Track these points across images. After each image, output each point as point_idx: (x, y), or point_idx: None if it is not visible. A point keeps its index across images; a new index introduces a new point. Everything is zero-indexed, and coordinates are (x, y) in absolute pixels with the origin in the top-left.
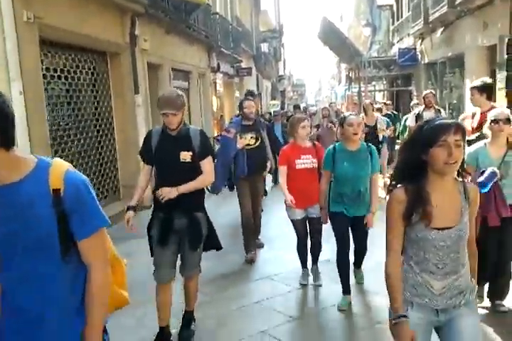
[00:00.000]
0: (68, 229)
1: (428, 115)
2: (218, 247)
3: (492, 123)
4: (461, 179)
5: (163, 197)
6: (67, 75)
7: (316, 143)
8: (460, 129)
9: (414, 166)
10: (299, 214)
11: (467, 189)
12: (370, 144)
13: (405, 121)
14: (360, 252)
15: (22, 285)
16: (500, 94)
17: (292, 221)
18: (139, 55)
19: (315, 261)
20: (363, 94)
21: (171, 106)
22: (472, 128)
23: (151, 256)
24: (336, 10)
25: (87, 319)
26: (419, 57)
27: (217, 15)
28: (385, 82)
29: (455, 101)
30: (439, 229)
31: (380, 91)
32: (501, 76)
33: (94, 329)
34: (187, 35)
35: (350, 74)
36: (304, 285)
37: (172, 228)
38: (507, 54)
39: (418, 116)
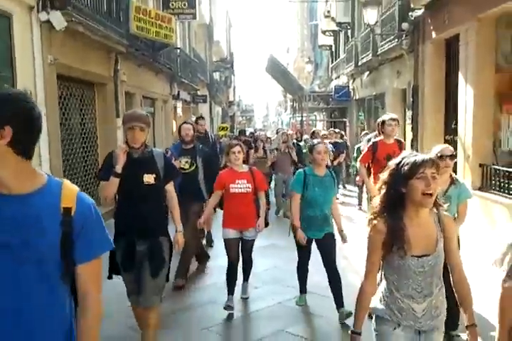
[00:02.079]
0: (70, 250)
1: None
2: (167, 280)
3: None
4: (436, 210)
5: (180, 247)
6: (64, 101)
7: (253, 167)
8: (435, 163)
9: (393, 199)
10: (233, 234)
11: (441, 219)
12: (331, 170)
13: (358, 149)
14: (335, 281)
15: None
16: (408, 129)
17: (225, 240)
18: (119, 85)
19: (246, 278)
20: (304, 123)
21: (138, 119)
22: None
23: (108, 277)
24: (283, 42)
25: None
26: (352, 93)
27: (179, 50)
28: (324, 113)
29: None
30: (417, 256)
31: (320, 120)
32: (409, 114)
33: None
34: (154, 68)
35: (294, 105)
36: (229, 307)
37: (134, 254)
38: (412, 97)
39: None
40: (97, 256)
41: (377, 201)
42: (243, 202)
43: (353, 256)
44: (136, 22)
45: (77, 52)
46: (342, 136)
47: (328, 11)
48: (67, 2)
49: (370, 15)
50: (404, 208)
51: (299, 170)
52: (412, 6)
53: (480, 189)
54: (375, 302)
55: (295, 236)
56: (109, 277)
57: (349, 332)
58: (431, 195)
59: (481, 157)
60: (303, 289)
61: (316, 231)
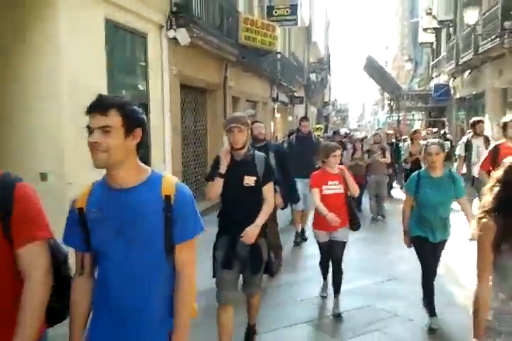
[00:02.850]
0: (171, 232)
1: (477, 142)
2: (271, 273)
3: None
4: None
5: (248, 240)
6: (183, 107)
7: (343, 168)
8: None
9: (507, 197)
10: (323, 236)
11: None
12: (453, 171)
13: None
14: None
15: (126, 279)
16: None
17: (318, 243)
18: (227, 91)
19: (336, 290)
20: (401, 122)
21: (236, 121)
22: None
23: (213, 276)
24: (381, 39)
25: (177, 323)
26: (452, 92)
27: (279, 54)
28: (423, 112)
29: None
30: None
31: (418, 120)
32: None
33: (184, 330)
34: (257, 73)
35: (392, 104)
36: (323, 297)
37: (236, 253)
38: None
39: (467, 144)
40: (192, 237)
41: (488, 199)
42: (335, 203)
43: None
44: (245, 32)
45: (195, 63)
46: (445, 137)
47: (430, 8)
48: (190, 20)
49: (471, 16)
50: None
51: (414, 172)
52: None
53: None
54: None
55: (416, 248)
56: (214, 275)
57: None
58: None
59: None
60: (432, 310)
61: (429, 233)
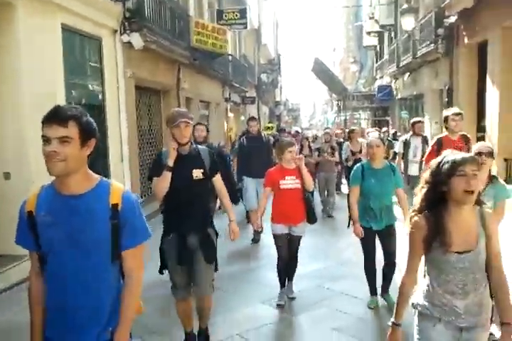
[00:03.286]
0: (118, 239)
1: (415, 142)
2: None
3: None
4: (478, 207)
5: (236, 236)
6: (138, 108)
7: (301, 156)
8: (475, 161)
9: (435, 197)
10: (282, 229)
11: (484, 216)
12: (392, 163)
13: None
14: (390, 268)
15: (76, 282)
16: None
17: (274, 236)
18: (180, 92)
19: (291, 277)
20: (348, 122)
21: (183, 116)
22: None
23: (159, 272)
24: (329, 41)
25: (121, 318)
26: (394, 93)
27: (230, 56)
28: (368, 112)
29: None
30: (458, 252)
31: (364, 119)
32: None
33: (126, 327)
34: (209, 75)
35: (339, 104)
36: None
37: (187, 246)
38: (447, 97)
39: (405, 143)
40: (139, 244)
41: (418, 199)
42: (292, 197)
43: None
44: (196, 35)
45: (149, 66)
46: (395, 136)
47: (373, 13)
48: (143, 24)
49: (407, 22)
50: (445, 206)
51: (357, 164)
52: (446, 13)
53: (505, 181)
54: (418, 297)
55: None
56: (160, 272)
57: (389, 323)
58: (472, 192)
59: (505, 152)
60: (373, 290)
61: (373, 222)
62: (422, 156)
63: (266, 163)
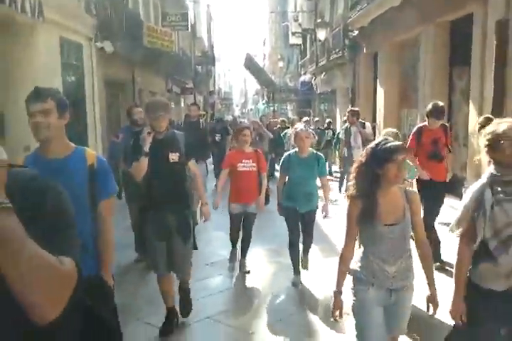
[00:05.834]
0: (94, 190)
1: (354, 129)
2: (194, 247)
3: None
4: (402, 184)
5: (207, 218)
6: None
7: (258, 150)
8: (405, 149)
9: (370, 178)
10: (238, 209)
11: (408, 193)
12: (317, 152)
13: (338, 134)
14: (308, 241)
15: None
16: None
17: (231, 214)
18: (135, 85)
19: (244, 254)
20: (276, 112)
21: (163, 109)
22: None
23: (136, 250)
24: (260, 34)
25: (103, 259)
26: (315, 88)
27: (172, 52)
28: (294, 104)
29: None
30: (388, 225)
31: (290, 110)
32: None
33: (108, 268)
34: (156, 70)
35: (270, 95)
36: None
37: (165, 224)
38: (351, 94)
39: (346, 131)
40: (110, 195)
41: (353, 178)
42: (249, 179)
43: (335, 232)
44: (148, 38)
45: (114, 65)
46: (329, 126)
47: (297, 16)
48: (111, 33)
49: (321, 34)
50: (378, 185)
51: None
52: (350, 28)
53: None
54: (353, 265)
55: (286, 216)
56: (137, 250)
57: (332, 291)
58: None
59: None
60: (296, 269)
61: (299, 205)
62: (362, 142)
63: (205, 146)
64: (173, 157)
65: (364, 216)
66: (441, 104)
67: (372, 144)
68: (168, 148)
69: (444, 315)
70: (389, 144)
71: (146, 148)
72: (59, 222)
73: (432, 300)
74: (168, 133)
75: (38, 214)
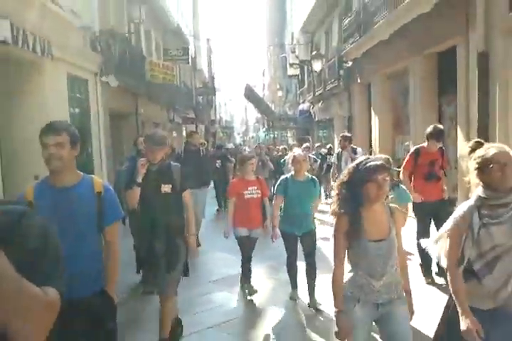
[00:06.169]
0: (102, 217)
1: (345, 154)
2: (186, 275)
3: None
4: (386, 203)
5: (194, 252)
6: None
7: (259, 176)
8: (386, 168)
9: (352, 197)
10: (244, 232)
11: (392, 210)
12: (313, 177)
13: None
14: (313, 275)
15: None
16: None
17: (238, 238)
18: (138, 116)
19: (248, 277)
20: (276, 139)
21: (159, 143)
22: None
23: (137, 271)
24: (259, 65)
25: (109, 278)
26: (313, 116)
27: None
28: (293, 131)
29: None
30: (375, 241)
31: (290, 137)
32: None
33: (113, 285)
34: (158, 101)
35: (270, 124)
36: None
37: (153, 253)
38: (347, 122)
39: (338, 155)
40: (116, 220)
41: (336, 196)
42: (255, 205)
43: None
44: (150, 72)
45: (118, 98)
46: (330, 151)
47: (294, 48)
48: (115, 68)
49: (316, 65)
50: (361, 203)
51: (282, 176)
52: (344, 59)
53: None
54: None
55: (284, 240)
56: (138, 271)
57: (334, 312)
58: (382, 194)
59: None
60: (294, 284)
61: (295, 227)
62: None
63: (206, 174)
64: (165, 188)
65: (350, 235)
66: (441, 126)
67: (353, 163)
68: (160, 180)
69: (426, 325)
70: (369, 163)
71: (139, 179)
72: (45, 256)
73: (409, 307)
74: (162, 164)
75: (25, 249)
